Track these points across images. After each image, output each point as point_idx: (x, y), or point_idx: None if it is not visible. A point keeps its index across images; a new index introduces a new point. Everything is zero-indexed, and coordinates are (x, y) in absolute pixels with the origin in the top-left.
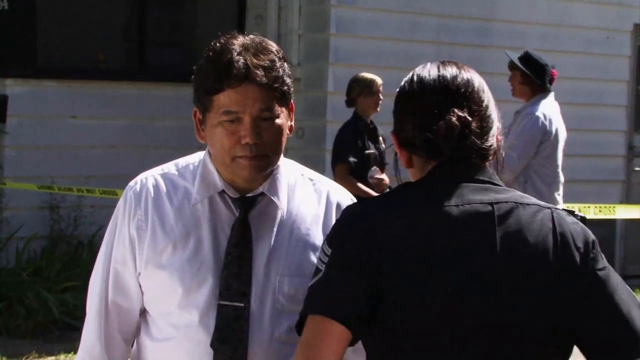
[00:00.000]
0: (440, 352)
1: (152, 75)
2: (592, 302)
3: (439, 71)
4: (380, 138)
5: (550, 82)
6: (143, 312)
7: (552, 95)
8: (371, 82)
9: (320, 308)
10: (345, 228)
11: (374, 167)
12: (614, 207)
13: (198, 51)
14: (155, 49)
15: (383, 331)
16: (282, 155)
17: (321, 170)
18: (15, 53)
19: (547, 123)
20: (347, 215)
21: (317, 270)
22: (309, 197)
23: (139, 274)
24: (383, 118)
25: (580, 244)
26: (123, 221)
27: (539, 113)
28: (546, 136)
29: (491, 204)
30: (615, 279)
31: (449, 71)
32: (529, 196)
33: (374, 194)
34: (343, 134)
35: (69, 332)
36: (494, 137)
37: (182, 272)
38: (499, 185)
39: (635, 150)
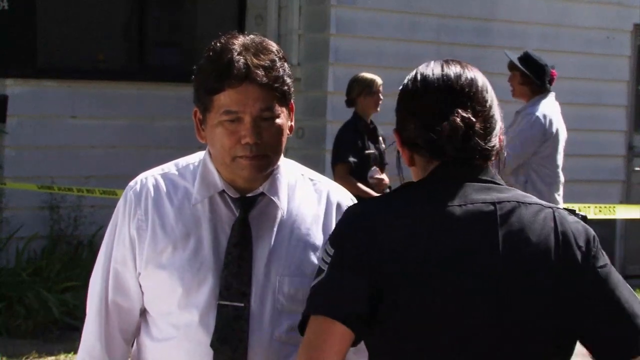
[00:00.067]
0: (441, 352)
1: (152, 75)
2: (594, 299)
3: (442, 70)
4: (380, 138)
5: (550, 82)
6: (143, 312)
7: (552, 95)
8: (371, 82)
9: (323, 308)
10: (347, 228)
11: (374, 167)
12: (614, 207)
13: (198, 51)
14: (155, 49)
15: (384, 331)
16: (282, 155)
17: (321, 170)
18: (15, 53)
19: (546, 123)
20: (349, 216)
21: (320, 270)
22: (309, 197)
23: (139, 274)
24: (383, 118)
25: (581, 243)
26: (123, 221)
27: (538, 113)
28: (546, 136)
29: (494, 203)
30: (616, 277)
31: (453, 70)
32: (531, 195)
33: (374, 194)
34: (343, 134)
35: (69, 332)
36: (497, 137)
37: (182, 272)
38: (501, 185)
39: (635, 150)
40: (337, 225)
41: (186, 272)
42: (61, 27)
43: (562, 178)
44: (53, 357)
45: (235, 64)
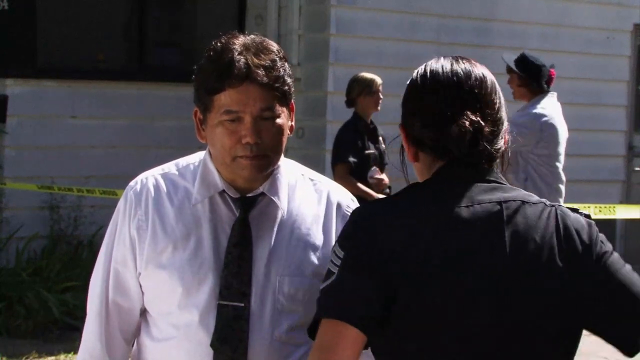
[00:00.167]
0: (447, 352)
1: (152, 75)
2: (603, 288)
3: (452, 67)
4: (380, 138)
5: (548, 82)
6: (143, 312)
7: (553, 95)
8: (371, 82)
9: (335, 311)
10: (357, 230)
11: (374, 167)
12: (614, 207)
13: (198, 51)
14: (155, 49)
15: (391, 332)
16: (282, 155)
17: (321, 170)
18: (15, 53)
19: (543, 122)
20: (357, 218)
21: (329, 272)
22: (309, 197)
23: (139, 274)
24: (383, 118)
25: (585, 237)
26: (123, 221)
27: (537, 111)
28: (543, 134)
29: (500, 202)
30: (621, 262)
31: (463, 68)
32: (534, 195)
33: (374, 194)
34: (343, 134)
35: (69, 332)
36: (503, 138)
37: (182, 272)
38: (505, 185)
39: (635, 150)
40: (345, 227)
41: (186, 272)
42: (61, 27)
43: (563, 178)
44: (53, 357)
45: (236, 64)
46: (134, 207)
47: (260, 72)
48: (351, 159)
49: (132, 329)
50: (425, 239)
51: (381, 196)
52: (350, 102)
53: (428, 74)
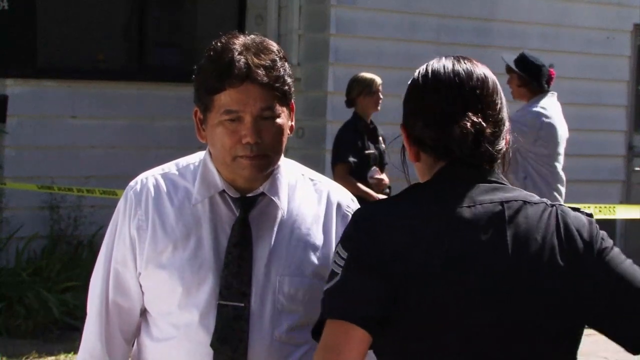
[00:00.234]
0: (449, 352)
1: (152, 75)
2: (604, 284)
3: (454, 68)
4: (380, 138)
5: (548, 82)
6: (143, 312)
7: (553, 95)
8: (371, 82)
9: (340, 312)
10: (358, 231)
11: (374, 167)
12: (614, 207)
13: (198, 51)
14: (155, 49)
15: (393, 332)
16: (282, 155)
17: (321, 170)
18: (15, 53)
19: (542, 120)
20: (358, 218)
21: (333, 273)
22: (309, 197)
23: (139, 274)
24: (383, 118)
25: (585, 235)
26: (123, 221)
27: (536, 110)
28: (541, 133)
29: (501, 203)
30: (622, 257)
31: (465, 69)
32: (535, 195)
33: (374, 194)
34: (343, 134)
35: (69, 332)
36: (504, 139)
37: (182, 271)
38: (506, 185)
39: (635, 150)
40: (347, 227)
41: (186, 272)
42: (61, 27)
43: (563, 178)
44: (53, 357)
45: (236, 64)
46: (134, 207)
47: (261, 72)
48: (351, 159)
49: (132, 329)
50: (427, 239)
51: (381, 196)
52: (350, 102)
53: (430, 73)
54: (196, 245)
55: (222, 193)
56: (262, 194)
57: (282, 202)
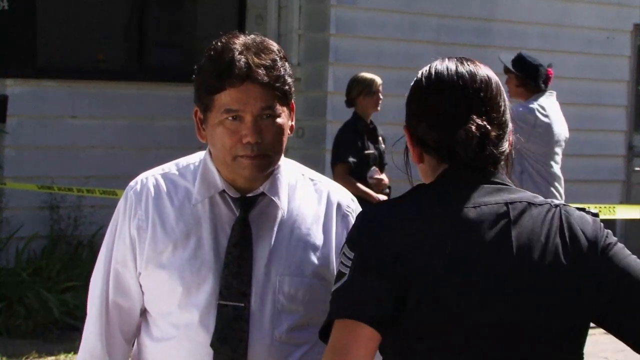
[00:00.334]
0: (455, 352)
1: (152, 75)
2: (608, 279)
3: (457, 69)
4: (380, 138)
5: (545, 82)
6: (143, 312)
7: (552, 94)
8: (371, 82)
9: (348, 311)
10: (363, 232)
11: (374, 167)
12: (614, 207)
13: (198, 51)
14: (155, 49)
15: (399, 332)
16: (282, 155)
17: (321, 170)
18: (15, 53)
19: (537, 117)
20: (363, 219)
21: (340, 274)
22: (309, 197)
23: (140, 273)
24: (383, 118)
25: (589, 234)
26: (123, 221)
27: (532, 106)
28: (536, 130)
29: (506, 204)
30: (626, 251)
31: (468, 71)
32: (539, 195)
33: (374, 194)
34: (343, 134)
35: (69, 332)
36: (507, 141)
37: (182, 271)
38: (510, 186)
39: (635, 150)
40: (352, 228)
41: (186, 272)
42: (61, 27)
43: (560, 176)
44: (53, 357)
45: (237, 63)
46: (134, 207)
47: (261, 71)
48: (351, 159)
49: (132, 328)
50: (430, 240)
51: (381, 196)
52: (350, 102)
53: (433, 75)
54: (196, 245)
55: (222, 193)
56: (262, 194)
57: (282, 202)
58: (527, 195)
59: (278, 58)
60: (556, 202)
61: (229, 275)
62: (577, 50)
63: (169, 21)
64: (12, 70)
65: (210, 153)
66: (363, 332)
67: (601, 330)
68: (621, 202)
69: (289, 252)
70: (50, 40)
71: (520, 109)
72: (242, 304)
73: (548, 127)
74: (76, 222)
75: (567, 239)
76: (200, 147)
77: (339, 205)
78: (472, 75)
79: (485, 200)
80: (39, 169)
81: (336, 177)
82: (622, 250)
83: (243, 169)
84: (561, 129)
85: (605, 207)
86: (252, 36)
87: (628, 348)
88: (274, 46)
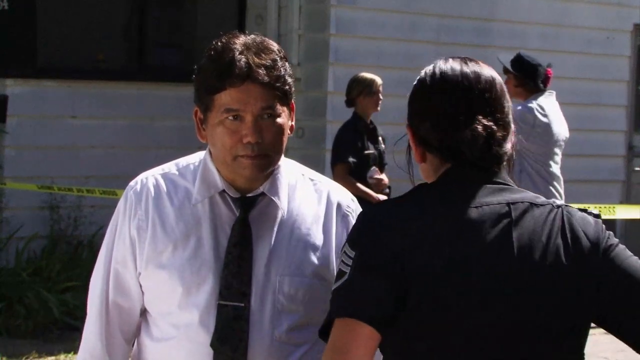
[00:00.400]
0: (456, 352)
1: (152, 75)
2: (610, 280)
3: (462, 69)
4: (380, 138)
5: (545, 82)
6: (143, 312)
7: (551, 94)
8: (371, 82)
9: (348, 310)
10: (365, 231)
11: (373, 167)
12: (614, 207)
13: (198, 51)
14: (155, 49)
15: (399, 332)
16: (282, 155)
17: (321, 170)
18: (15, 53)
19: (536, 117)
20: (365, 218)
21: (341, 272)
22: (309, 197)
23: (139, 274)
24: (383, 118)
25: (591, 235)
26: (123, 221)
27: (530, 106)
28: (534, 130)
29: (508, 204)
30: (628, 252)
31: (472, 71)
32: (541, 196)
33: (373, 194)
34: (343, 134)
35: (69, 332)
36: (510, 141)
37: (182, 271)
38: (513, 186)
39: (635, 150)
40: (354, 227)
41: (186, 272)
42: (61, 27)
43: (559, 176)
44: (53, 357)
45: (237, 63)
46: (134, 207)
47: (262, 71)
48: (351, 159)
49: (132, 329)
50: (432, 240)
51: (381, 196)
52: (350, 102)
53: (437, 74)
54: (196, 245)
55: (222, 193)
56: (262, 194)
57: (282, 202)
58: (529, 195)
59: (278, 58)
60: (558, 202)
61: (229, 275)
62: (577, 50)
63: (169, 21)
64: (12, 70)
65: (210, 153)
66: (363, 331)
67: (601, 330)
68: (621, 202)
69: (289, 252)
70: (50, 40)
71: (519, 108)
72: (242, 304)
73: (547, 127)
74: (76, 222)
75: (569, 240)
76: (200, 147)
77: (339, 205)
78: (477, 76)
79: (488, 200)
80: (39, 169)
81: (336, 177)
82: (623, 252)
83: (243, 168)
84: (561, 128)
85: (605, 207)
86: (252, 36)
87: (628, 348)
88: (274, 46)
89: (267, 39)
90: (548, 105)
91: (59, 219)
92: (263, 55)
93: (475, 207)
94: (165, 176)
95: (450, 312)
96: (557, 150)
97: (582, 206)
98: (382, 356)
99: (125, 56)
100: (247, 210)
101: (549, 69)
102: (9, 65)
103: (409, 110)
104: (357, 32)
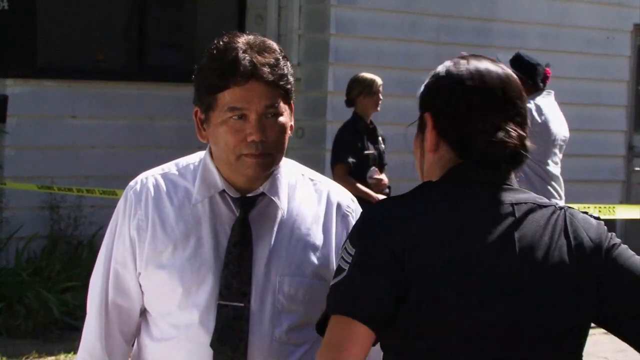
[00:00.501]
0: (456, 352)
1: (152, 76)
2: (612, 280)
3: (498, 73)
4: (380, 138)
5: (544, 81)
6: (143, 312)
7: (550, 94)
8: (371, 82)
9: (344, 308)
10: (366, 229)
11: (373, 167)
12: (614, 207)
13: (198, 51)
14: (155, 49)
15: (399, 331)
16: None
17: (321, 170)
18: (15, 53)
19: (532, 116)
20: (368, 216)
21: (340, 269)
22: (309, 197)
23: (139, 274)
24: (383, 118)
25: (593, 236)
26: (123, 221)
27: (529, 106)
28: (532, 129)
29: (511, 204)
30: (630, 252)
31: (505, 75)
32: (544, 198)
33: (373, 194)
34: (342, 134)
35: (69, 332)
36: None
37: (182, 271)
38: (516, 187)
39: (635, 150)
40: (355, 225)
41: (186, 272)
42: (61, 27)
43: (558, 176)
44: (53, 357)
45: (242, 62)
46: (133, 207)
47: (266, 69)
48: (350, 159)
49: (132, 329)
50: (432, 240)
51: (381, 196)
52: (350, 102)
53: (475, 74)
54: (196, 245)
55: (222, 193)
56: (262, 194)
57: (282, 202)
58: (532, 196)
59: (280, 57)
60: (561, 204)
61: (229, 275)
62: (577, 50)
63: (169, 21)
64: (12, 70)
65: (210, 153)
66: (359, 330)
67: (601, 330)
68: (621, 202)
69: (289, 252)
70: (50, 40)
71: None
72: (242, 304)
73: (545, 127)
74: (76, 222)
75: (571, 240)
76: (200, 147)
77: (338, 205)
78: (511, 81)
79: (490, 200)
80: (39, 169)
81: (336, 177)
82: (625, 251)
83: (247, 167)
84: (560, 128)
85: (605, 207)
86: (252, 36)
87: (628, 348)
88: (275, 45)
89: (266, 39)
90: (546, 105)
91: (59, 219)
92: (266, 54)
93: (478, 206)
94: (165, 176)
95: (450, 312)
96: (556, 150)
97: (582, 207)
98: (382, 355)
99: (125, 56)
100: (247, 210)
101: (547, 69)
102: (9, 65)
103: (434, 98)
104: (357, 32)
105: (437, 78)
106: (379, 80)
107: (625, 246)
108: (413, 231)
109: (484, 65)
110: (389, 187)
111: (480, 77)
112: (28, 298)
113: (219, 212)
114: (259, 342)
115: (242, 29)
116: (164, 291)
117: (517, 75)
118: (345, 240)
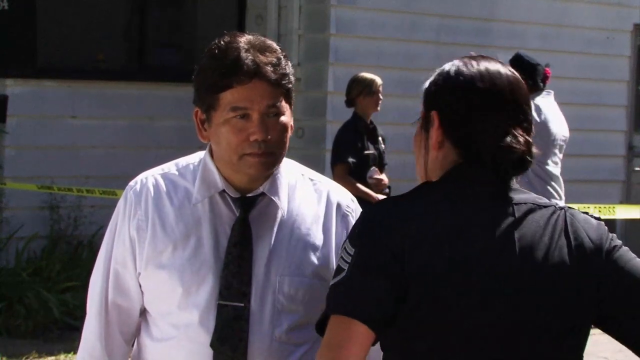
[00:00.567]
0: (456, 352)
1: (152, 76)
2: (613, 282)
3: (509, 77)
4: (380, 138)
5: (544, 81)
6: (143, 312)
7: (549, 94)
8: (371, 82)
9: (344, 308)
10: (366, 229)
11: (373, 167)
12: (614, 207)
13: (198, 51)
14: (155, 49)
15: (399, 331)
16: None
17: (321, 170)
18: (15, 53)
19: (532, 115)
20: (368, 216)
21: (339, 269)
22: (309, 197)
23: (139, 274)
24: (383, 118)
25: (593, 237)
26: (123, 221)
27: None
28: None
29: (512, 204)
30: (631, 254)
31: (515, 79)
32: (545, 198)
33: (373, 194)
34: (342, 134)
35: (69, 332)
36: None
37: (182, 271)
38: (517, 187)
39: (635, 150)
40: (355, 224)
41: (186, 272)
42: (61, 27)
43: (558, 176)
44: (53, 357)
45: (244, 61)
46: (133, 207)
47: (269, 68)
48: (350, 159)
49: (131, 329)
50: (432, 240)
51: (381, 196)
52: (350, 102)
53: (487, 74)
54: (196, 245)
55: (222, 193)
56: (262, 194)
57: (282, 202)
58: (532, 196)
59: (282, 57)
60: (561, 204)
61: (229, 275)
62: (577, 50)
63: (169, 21)
64: (12, 70)
65: (210, 153)
66: (359, 330)
67: (601, 330)
68: (621, 202)
69: (289, 252)
70: (50, 40)
71: None
72: (242, 304)
73: (544, 126)
74: (76, 222)
75: (572, 240)
76: (200, 147)
77: (338, 205)
78: (520, 85)
79: (490, 201)
80: (39, 169)
81: (336, 177)
82: (627, 253)
83: (249, 167)
84: (560, 128)
85: (605, 207)
86: (252, 36)
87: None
88: (276, 45)
89: (266, 39)
90: (545, 105)
91: (59, 219)
92: (268, 53)
93: (477, 206)
94: (165, 176)
95: (450, 312)
96: (556, 150)
97: (582, 207)
98: (382, 355)
99: (125, 56)
100: (247, 210)
101: (547, 69)
102: (9, 65)
103: (442, 95)
104: (357, 32)
105: (446, 77)
106: (378, 80)
107: (626, 248)
108: (413, 231)
109: (495, 67)
110: (389, 187)
111: (491, 79)
112: (28, 298)
113: (219, 212)
114: (258, 342)
115: (242, 29)
116: (164, 291)
117: None
118: (345, 240)
